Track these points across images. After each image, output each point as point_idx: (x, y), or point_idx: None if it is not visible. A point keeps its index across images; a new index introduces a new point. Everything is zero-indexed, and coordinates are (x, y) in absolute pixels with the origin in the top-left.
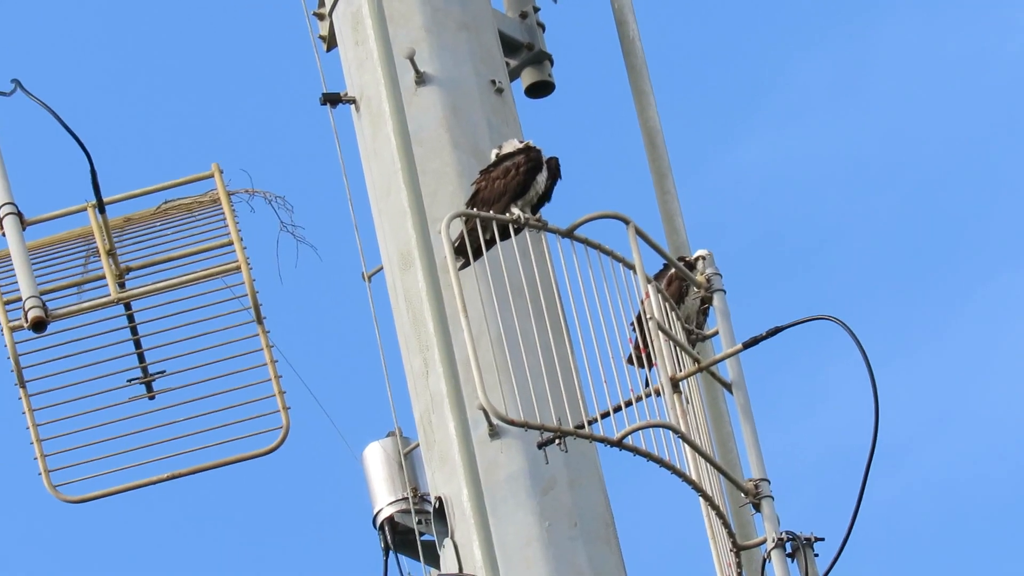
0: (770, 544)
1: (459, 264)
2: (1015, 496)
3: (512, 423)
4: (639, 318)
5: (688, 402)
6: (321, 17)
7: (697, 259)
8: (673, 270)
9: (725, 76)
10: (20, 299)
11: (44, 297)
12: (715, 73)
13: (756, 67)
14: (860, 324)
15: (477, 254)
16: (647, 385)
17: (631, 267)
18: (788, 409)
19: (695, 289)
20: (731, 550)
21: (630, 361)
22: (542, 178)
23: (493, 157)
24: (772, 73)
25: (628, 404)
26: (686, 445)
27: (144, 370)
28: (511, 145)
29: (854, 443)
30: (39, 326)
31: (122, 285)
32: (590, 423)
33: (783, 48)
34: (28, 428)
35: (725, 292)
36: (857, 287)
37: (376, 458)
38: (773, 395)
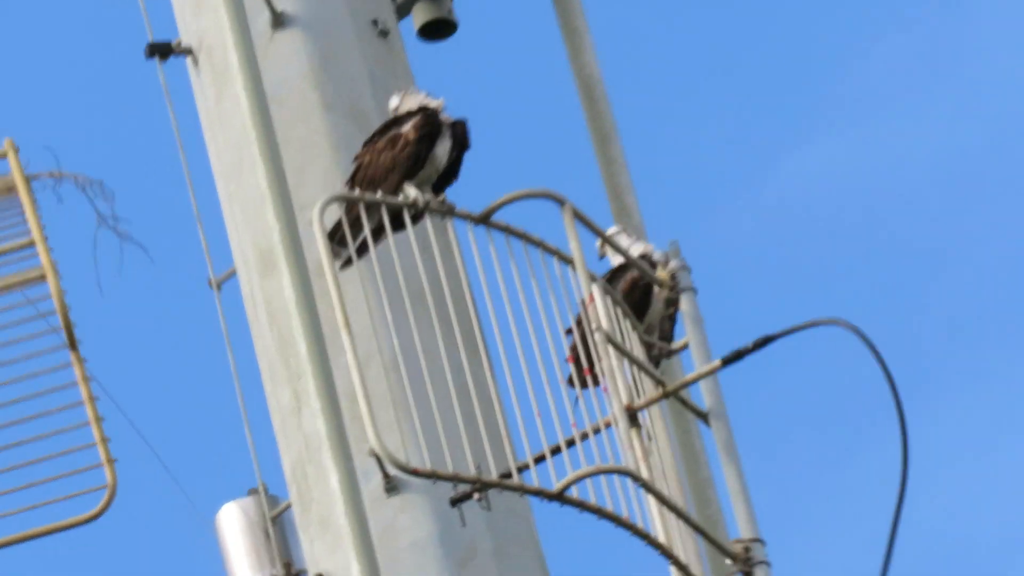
0: None
1: (339, 264)
2: None
3: (415, 473)
4: (580, 324)
5: (651, 439)
6: None
7: (649, 259)
8: (634, 270)
9: (782, 65)
10: None
11: None
12: (773, 63)
13: (820, 53)
14: (962, 387)
15: (362, 250)
16: (585, 413)
17: (568, 261)
18: (788, 446)
19: (659, 292)
20: None
21: (570, 383)
22: (444, 148)
23: (392, 111)
24: (841, 59)
25: (571, 443)
26: (650, 496)
27: None
28: (416, 99)
29: (876, 488)
30: None
31: None
32: (520, 470)
33: (855, 29)
34: None
35: (696, 292)
36: (957, 330)
37: (234, 523)
38: (766, 427)
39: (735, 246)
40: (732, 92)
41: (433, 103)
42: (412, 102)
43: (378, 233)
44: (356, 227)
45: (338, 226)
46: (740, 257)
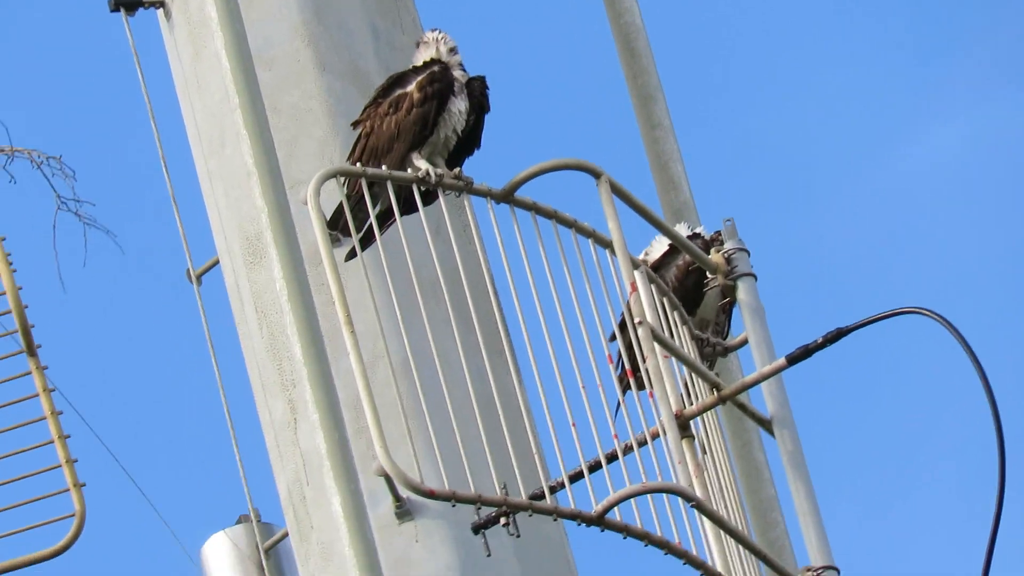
0: None
1: (339, 252)
2: None
3: (432, 495)
4: (623, 324)
5: (704, 452)
6: None
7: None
8: (684, 254)
9: (888, 27)
10: None
11: None
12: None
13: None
14: None
15: (367, 237)
16: (629, 423)
17: (606, 244)
18: (864, 457)
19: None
20: None
21: (624, 385)
22: (459, 107)
23: (415, 59)
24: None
25: (612, 459)
26: (704, 518)
27: None
28: (428, 50)
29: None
30: None
31: None
32: (554, 491)
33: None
34: None
35: (756, 278)
36: None
37: (222, 556)
38: (839, 436)
39: (805, 227)
40: (814, 47)
41: (446, 56)
42: (423, 54)
43: (384, 217)
44: (359, 210)
45: (339, 213)
46: (808, 239)
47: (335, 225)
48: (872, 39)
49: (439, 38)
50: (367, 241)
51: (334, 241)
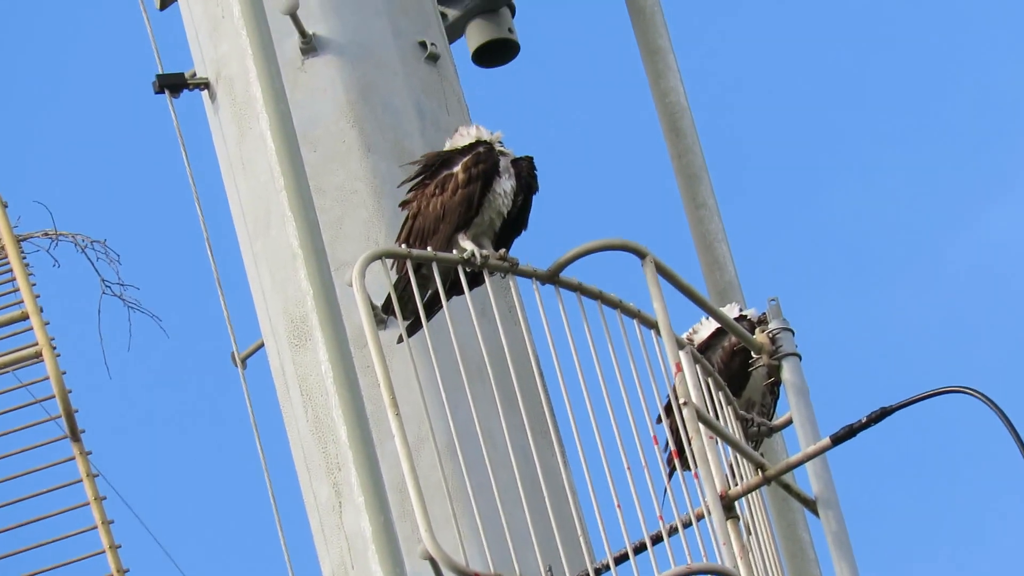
0: None
1: (385, 332)
2: None
3: None
4: (668, 407)
5: (750, 532)
6: None
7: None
8: (730, 335)
9: (932, 109)
10: None
11: None
12: (920, 100)
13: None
14: None
15: (414, 321)
16: (674, 504)
17: (652, 325)
18: (909, 536)
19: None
20: None
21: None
22: (504, 188)
23: (448, 145)
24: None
25: (657, 540)
26: None
27: None
28: (467, 134)
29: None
30: None
31: None
32: (599, 573)
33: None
34: None
35: (800, 357)
36: None
37: None
38: (884, 516)
39: (851, 306)
40: (860, 126)
41: (488, 135)
42: (465, 136)
43: (432, 303)
44: (407, 291)
45: (390, 298)
46: (853, 318)
47: (387, 310)
48: (923, 119)
49: (475, 127)
50: (415, 326)
51: (380, 323)
